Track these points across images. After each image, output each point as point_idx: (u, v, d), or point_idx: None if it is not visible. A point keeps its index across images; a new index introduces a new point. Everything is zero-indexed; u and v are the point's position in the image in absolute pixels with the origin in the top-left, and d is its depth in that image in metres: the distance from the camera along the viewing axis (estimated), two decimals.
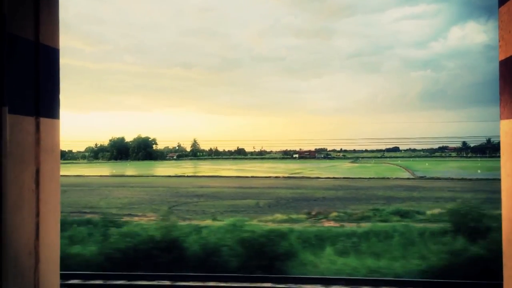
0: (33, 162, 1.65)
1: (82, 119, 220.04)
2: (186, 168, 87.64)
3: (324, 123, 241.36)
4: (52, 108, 1.79)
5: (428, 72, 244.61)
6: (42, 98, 1.70)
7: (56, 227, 1.83)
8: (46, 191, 1.71)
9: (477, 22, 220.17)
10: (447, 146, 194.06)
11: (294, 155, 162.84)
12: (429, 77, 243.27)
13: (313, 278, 8.17)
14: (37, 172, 1.67)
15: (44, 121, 1.70)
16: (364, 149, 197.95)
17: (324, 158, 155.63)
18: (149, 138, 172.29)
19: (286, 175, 61.66)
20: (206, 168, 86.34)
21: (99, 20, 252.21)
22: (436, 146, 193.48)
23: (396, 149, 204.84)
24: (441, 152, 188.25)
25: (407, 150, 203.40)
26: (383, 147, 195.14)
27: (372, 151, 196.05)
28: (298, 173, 66.41)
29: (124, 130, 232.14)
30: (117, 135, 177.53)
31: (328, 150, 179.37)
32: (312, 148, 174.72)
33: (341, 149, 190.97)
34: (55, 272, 1.77)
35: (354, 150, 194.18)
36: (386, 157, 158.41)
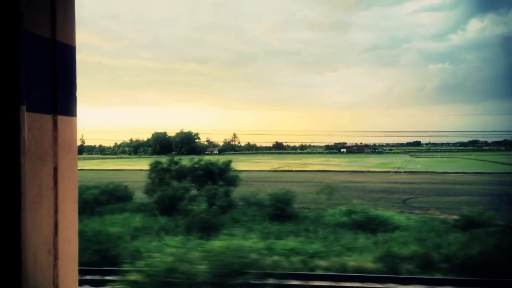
0: (51, 160, 1.66)
1: (100, 115, 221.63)
2: (269, 162, 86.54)
3: (339, 117, 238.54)
4: (69, 105, 1.77)
5: (446, 65, 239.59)
6: (59, 96, 1.70)
7: (74, 224, 1.80)
8: (64, 188, 1.71)
9: (497, 14, 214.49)
10: (478, 140, 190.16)
11: (342, 149, 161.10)
12: (447, 70, 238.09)
13: None
14: (55, 169, 1.67)
15: (61, 118, 1.71)
16: (385, 143, 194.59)
17: (372, 152, 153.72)
18: (192, 132, 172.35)
19: (395, 169, 60.36)
20: (285, 162, 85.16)
21: (115, 17, 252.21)
22: (462, 140, 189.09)
23: (418, 143, 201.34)
24: (472, 146, 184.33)
25: (427, 144, 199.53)
26: (404, 141, 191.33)
27: (394, 145, 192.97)
28: (398, 167, 64.99)
29: (142, 125, 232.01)
30: (159, 129, 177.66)
31: (346, 143, 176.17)
32: (332, 142, 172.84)
33: (361, 143, 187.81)
34: (74, 268, 1.79)
35: (374, 144, 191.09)
36: (432, 151, 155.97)
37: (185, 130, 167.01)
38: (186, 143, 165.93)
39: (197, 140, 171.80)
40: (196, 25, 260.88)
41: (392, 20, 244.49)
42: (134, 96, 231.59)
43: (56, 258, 1.65)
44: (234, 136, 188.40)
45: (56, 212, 1.67)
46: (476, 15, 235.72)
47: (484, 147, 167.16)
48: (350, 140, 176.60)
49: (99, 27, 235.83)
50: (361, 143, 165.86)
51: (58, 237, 1.66)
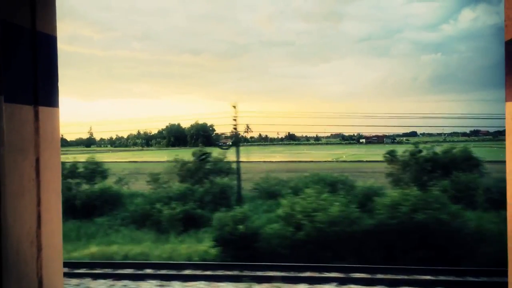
0: (33, 151, 1.65)
1: (91, 107, 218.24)
2: (310, 153, 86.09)
3: (334, 108, 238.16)
4: (51, 96, 1.77)
5: (439, 56, 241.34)
6: (41, 87, 1.69)
7: (58, 215, 1.81)
8: (47, 180, 1.71)
9: (489, 3, 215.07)
10: (479, 130, 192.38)
11: (361, 140, 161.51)
12: (440, 60, 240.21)
13: None
14: (37, 161, 1.66)
15: (43, 109, 1.69)
16: (382, 134, 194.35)
17: (392, 142, 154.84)
18: (207, 124, 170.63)
19: None
20: (326, 153, 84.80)
21: (107, 7, 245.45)
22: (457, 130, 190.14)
23: (414, 134, 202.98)
24: (475, 136, 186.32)
25: (422, 134, 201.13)
26: (400, 131, 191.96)
27: (398, 135, 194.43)
28: None
29: (137, 117, 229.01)
30: (173, 121, 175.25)
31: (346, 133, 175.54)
32: (328, 133, 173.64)
33: (359, 133, 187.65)
34: (58, 260, 1.80)
35: (376, 135, 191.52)
36: (449, 141, 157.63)
37: (200, 122, 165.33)
38: (201, 134, 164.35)
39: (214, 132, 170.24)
40: (189, 15, 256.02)
41: (386, 10, 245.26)
42: (128, 88, 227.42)
43: (39, 249, 1.63)
44: (247, 127, 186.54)
45: (39, 203, 1.63)
46: (468, 4, 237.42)
47: (500, 137, 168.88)
48: (348, 129, 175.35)
49: (91, 18, 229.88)
50: (381, 134, 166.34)
51: (42, 229, 1.63)
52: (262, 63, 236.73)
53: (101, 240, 15.18)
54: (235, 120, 23.57)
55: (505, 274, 2.64)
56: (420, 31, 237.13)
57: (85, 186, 20.51)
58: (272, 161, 57.37)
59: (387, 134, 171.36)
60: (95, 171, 20.99)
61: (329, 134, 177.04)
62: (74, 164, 21.15)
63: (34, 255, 1.62)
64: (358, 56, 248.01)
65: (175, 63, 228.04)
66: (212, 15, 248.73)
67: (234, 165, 23.81)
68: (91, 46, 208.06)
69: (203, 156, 22.26)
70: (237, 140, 22.17)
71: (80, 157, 24.30)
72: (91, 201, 18.62)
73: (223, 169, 22.88)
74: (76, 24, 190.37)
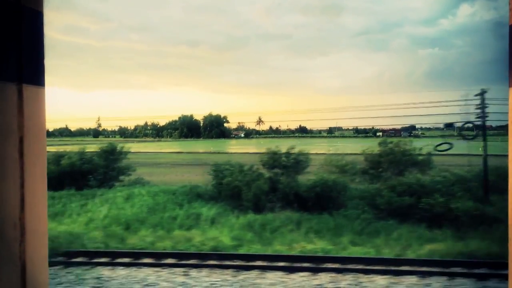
0: (16, 131, 1.58)
1: (88, 98, 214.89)
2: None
3: (331, 102, 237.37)
4: (37, 74, 1.72)
5: (436, 50, 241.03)
6: (25, 64, 1.62)
7: (43, 198, 1.76)
8: (31, 161, 1.65)
9: None
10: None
11: (378, 133, 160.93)
12: (437, 55, 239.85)
13: None
14: (21, 141, 1.59)
15: (27, 88, 1.64)
16: (379, 127, 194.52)
17: (409, 136, 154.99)
18: (221, 116, 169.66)
19: None
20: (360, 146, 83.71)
21: None
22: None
23: (413, 127, 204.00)
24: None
25: (421, 128, 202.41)
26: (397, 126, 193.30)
27: (396, 130, 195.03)
28: None
29: (132, 108, 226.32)
30: (185, 112, 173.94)
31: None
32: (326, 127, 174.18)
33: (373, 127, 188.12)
34: (43, 245, 1.74)
35: (393, 129, 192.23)
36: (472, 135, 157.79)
37: (214, 113, 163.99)
38: (216, 126, 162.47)
39: (225, 124, 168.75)
40: (186, 7, 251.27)
41: (384, 4, 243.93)
42: (124, 79, 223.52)
43: (23, 233, 1.55)
44: (260, 119, 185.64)
45: (22, 185, 1.55)
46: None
47: None
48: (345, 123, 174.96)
49: (88, 9, 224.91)
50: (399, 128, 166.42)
51: (25, 212, 1.55)
52: (260, 56, 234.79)
53: (390, 237, 13.64)
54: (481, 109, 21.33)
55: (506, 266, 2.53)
56: (418, 25, 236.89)
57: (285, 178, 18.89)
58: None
59: (405, 126, 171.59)
60: (299, 162, 19.38)
61: (328, 128, 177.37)
62: (275, 153, 19.50)
63: (17, 239, 1.54)
64: (355, 50, 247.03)
65: (172, 54, 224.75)
66: (209, 7, 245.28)
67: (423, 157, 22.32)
68: (88, 37, 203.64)
69: (448, 147, 20.53)
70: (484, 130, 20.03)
71: (123, 146, 22.35)
72: (324, 193, 17.06)
73: (417, 161, 21.38)
74: (73, 14, 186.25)
